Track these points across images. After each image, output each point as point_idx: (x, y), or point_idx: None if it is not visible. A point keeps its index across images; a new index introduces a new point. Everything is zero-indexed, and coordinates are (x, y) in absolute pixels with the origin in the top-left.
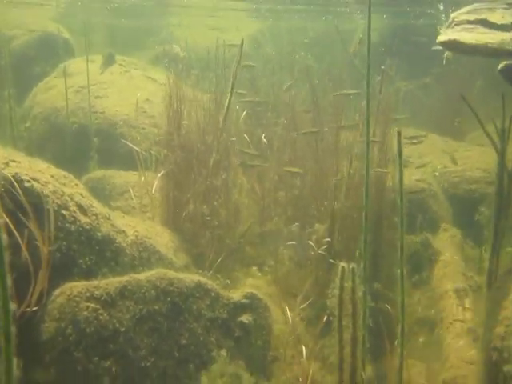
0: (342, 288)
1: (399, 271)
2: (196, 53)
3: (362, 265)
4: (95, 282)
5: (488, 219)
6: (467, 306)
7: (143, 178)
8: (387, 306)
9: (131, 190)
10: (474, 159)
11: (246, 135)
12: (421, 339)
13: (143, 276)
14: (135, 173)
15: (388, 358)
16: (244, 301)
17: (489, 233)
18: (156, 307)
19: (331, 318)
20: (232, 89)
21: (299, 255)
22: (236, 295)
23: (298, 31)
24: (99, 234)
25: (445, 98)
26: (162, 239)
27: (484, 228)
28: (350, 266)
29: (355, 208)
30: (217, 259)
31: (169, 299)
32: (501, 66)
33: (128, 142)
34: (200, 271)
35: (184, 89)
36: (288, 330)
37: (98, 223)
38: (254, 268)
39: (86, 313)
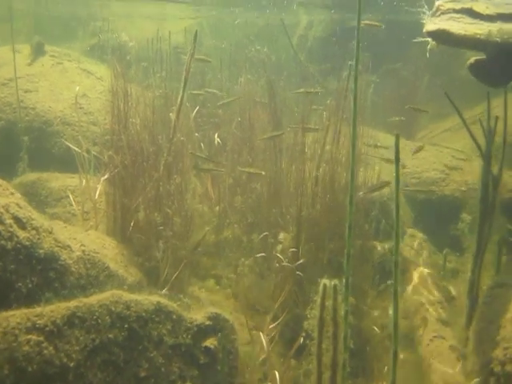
0: (322, 307)
1: (393, 289)
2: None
3: (344, 281)
4: (38, 310)
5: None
6: (444, 319)
7: (84, 182)
8: (368, 324)
9: (71, 196)
10: (431, 160)
11: (197, 135)
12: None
13: (95, 299)
14: (74, 175)
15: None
16: (208, 322)
17: (469, 241)
18: (111, 336)
19: (303, 338)
20: (185, 84)
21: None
22: (199, 316)
23: (239, 24)
24: (41, 251)
25: (392, 96)
26: (110, 252)
27: (445, 232)
28: (332, 283)
29: (324, 215)
30: (172, 273)
31: (126, 326)
32: (471, 61)
33: (66, 142)
34: (156, 290)
35: (131, 83)
36: (256, 352)
37: (39, 238)
38: (212, 281)
39: (26, 348)
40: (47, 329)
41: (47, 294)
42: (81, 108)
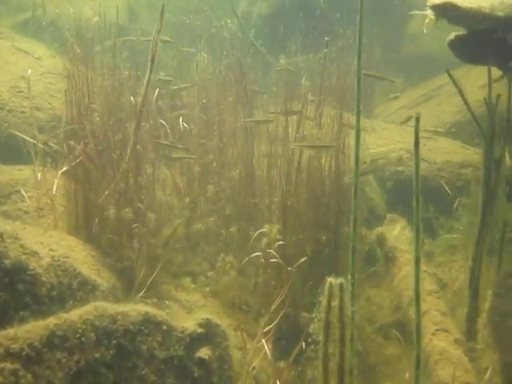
0: (329, 308)
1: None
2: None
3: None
4: (11, 332)
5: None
6: (443, 310)
7: (40, 175)
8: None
9: (22, 191)
10: (395, 139)
11: (162, 121)
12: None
13: (76, 314)
14: (21, 167)
15: None
16: (200, 330)
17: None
18: (97, 355)
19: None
20: (152, 63)
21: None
22: (190, 324)
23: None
24: (7, 261)
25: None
26: (79, 254)
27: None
28: (338, 281)
29: (309, 204)
30: (147, 273)
31: (113, 342)
32: (450, 37)
33: (11, 130)
34: (133, 294)
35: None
36: (248, 357)
37: (4, 246)
38: (187, 279)
39: (0, 379)
40: (24, 353)
41: (19, 311)
42: (20, 92)
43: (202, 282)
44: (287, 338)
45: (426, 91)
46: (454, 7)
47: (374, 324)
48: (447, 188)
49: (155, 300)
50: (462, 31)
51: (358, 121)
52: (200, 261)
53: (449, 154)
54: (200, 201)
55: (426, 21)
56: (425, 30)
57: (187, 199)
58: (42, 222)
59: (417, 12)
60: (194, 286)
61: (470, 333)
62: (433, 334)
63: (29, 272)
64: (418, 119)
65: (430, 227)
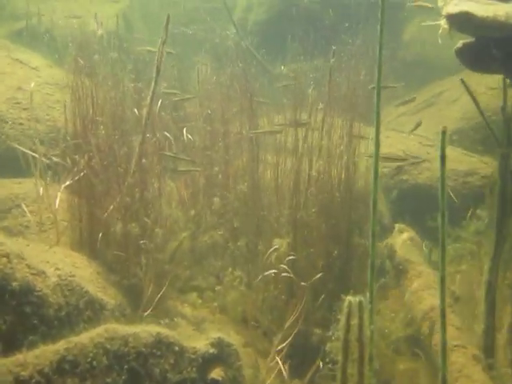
0: (348, 328)
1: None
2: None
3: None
4: (20, 358)
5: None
6: (458, 325)
7: (42, 189)
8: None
9: (23, 205)
10: (398, 147)
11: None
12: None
13: (87, 337)
14: (20, 181)
15: None
16: (212, 350)
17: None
18: (109, 380)
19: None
20: (157, 75)
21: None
22: (202, 344)
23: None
24: (14, 283)
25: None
26: (84, 272)
27: (421, 223)
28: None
29: (320, 216)
30: (154, 290)
31: (125, 366)
32: (458, 45)
33: (16, 144)
34: (140, 312)
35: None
36: (261, 376)
37: (11, 268)
38: (193, 294)
39: None
40: (34, 381)
41: (27, 334)
42: (17, 103)
43: (209, 296)
44: (299, 356)
45: (425, 98)
46: (470, 16)
47: (386, 338)
48: (453, 196)
49: (163, 318)
50: (469, 39)
51: (377, 134)
52: (206, 275)
53: (453, 161)
54: (205, 213)
55: (440, 30)
56: (439, 40)
57: (192, 212)
58: (44, 236)
59: (430, 22)
60: (200, 301)
61: (488, 349)
62: (451, 350)
63: (36, 293)
64: (444, 133)
65: (436, 236)
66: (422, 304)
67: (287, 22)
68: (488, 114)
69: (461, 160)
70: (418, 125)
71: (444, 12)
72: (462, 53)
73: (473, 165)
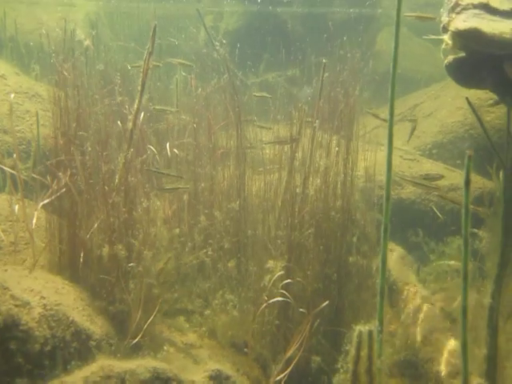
0: (357, 359)
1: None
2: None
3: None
4: None
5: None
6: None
7: (17, 207)
8: None
9: None
10: (379, 161)
11: (150, 146)
12: None
13: (80, 377)
14: None
15: None
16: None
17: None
18: None
19: None
20: (143, 88)
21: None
22: (200, 377)
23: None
24: None
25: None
26: (68, 298)
27: (404, 239)
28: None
29: (318, 237)
30: (141, 317)
31: None
32: (448, 60)
33: None
34: (128, 341)
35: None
36: None
37: None
38: (181, 318)
39: None
40: None
41: (10, 376)
42: None
43: (196, 320)
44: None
45: (401, 110)
46: (480, 33)
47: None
48: (437, 212)
49: (151, 345)
50: (460, 54)
51: (389, 154)
52: (193, 298)
53: None
54: (192, 232)
55: (443, 46)
56: (442, 56)
57: (177, 230)
58: (19, 258)
59: (433, 36)
60: (187, 325)
61: (490, 375)
62: (454, 378)
63: (21, 327)
64: (469, 157)
65: (420, 252)
66: (419, 327)
67: (257, 32)
68: (466, 128)
69: (442, 174)
70: (414, 129)
71: (452, 28)
72: (452, 68)
73: (455, 180)
